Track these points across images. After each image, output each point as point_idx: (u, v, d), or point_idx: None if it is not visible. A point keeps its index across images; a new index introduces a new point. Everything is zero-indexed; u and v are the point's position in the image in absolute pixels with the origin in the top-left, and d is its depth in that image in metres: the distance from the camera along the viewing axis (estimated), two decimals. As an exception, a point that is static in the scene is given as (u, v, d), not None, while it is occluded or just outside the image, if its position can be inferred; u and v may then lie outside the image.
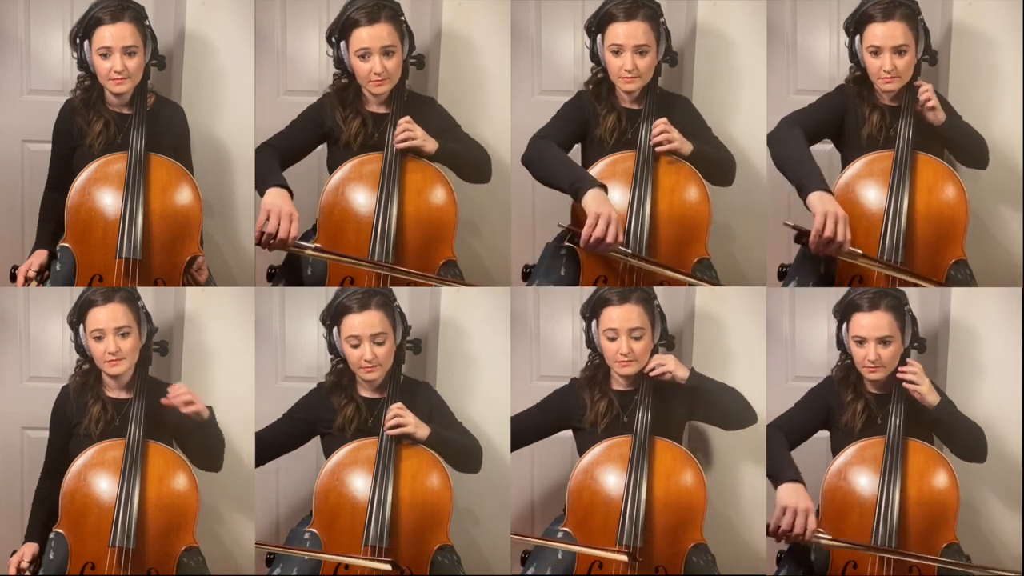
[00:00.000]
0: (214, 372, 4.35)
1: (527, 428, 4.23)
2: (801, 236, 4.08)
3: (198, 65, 4.42)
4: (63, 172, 4.24)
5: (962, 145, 4.22)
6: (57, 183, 4.25)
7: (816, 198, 4.04)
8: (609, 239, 4.05)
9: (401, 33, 4.21)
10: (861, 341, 4.10)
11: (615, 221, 4.04)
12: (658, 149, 4.19)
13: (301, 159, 4.29)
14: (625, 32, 4.19)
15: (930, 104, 4.14)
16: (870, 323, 4.09)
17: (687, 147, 4.21)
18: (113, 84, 4.19)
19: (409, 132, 4.18)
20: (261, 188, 4.14)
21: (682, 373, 4.13)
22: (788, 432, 4.17)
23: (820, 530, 4.03)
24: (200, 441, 4.14)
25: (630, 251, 4.11)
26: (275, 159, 4.20)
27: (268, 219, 4.09)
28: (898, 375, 4.09)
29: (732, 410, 4.18)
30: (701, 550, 4.11)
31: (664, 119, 4.19)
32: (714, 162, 4.25)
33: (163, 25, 4.37)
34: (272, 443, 4.22)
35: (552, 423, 4.23)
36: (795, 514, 4.01)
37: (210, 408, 4.13)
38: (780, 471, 4.08)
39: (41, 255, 4.25)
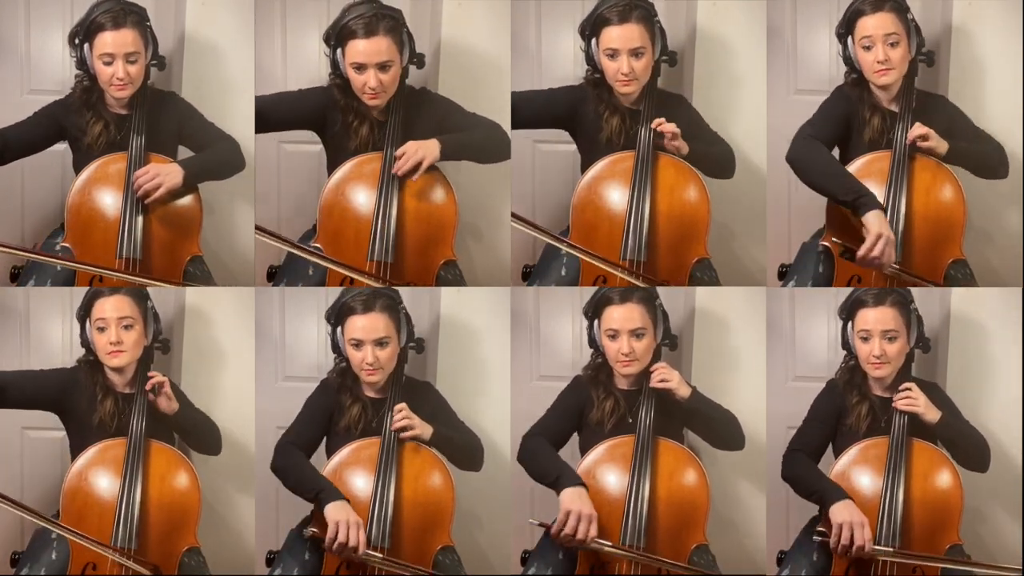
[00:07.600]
0: (214, 372, 4.34)
1: (553, 439, 4.17)
2: (846, 251, 4.10)
3: (198, 66, 4.41)
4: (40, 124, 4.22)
5: (972, 159, 4.22)
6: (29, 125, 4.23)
7: (874, 217, 4.05)
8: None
9: (400, 43, 4.18)
10: (866, 337, 4.10)
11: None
12: (665, 141, 4.18)
13: (292, 129, 4.30)
14: (620, 35, 4.18)
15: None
16: (875, 317, 4.08)
17: (685, 147, 4.21)
18: (115, 90, 4.18)
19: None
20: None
21: (684, 392, 4.13)
22: (810, 452, 4.14)
23: (879, 546, 4.02)
24: (191, 428, 4.17)
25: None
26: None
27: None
28: (895, 404, 4.09)
29: (725, 434, 4.18)
30: (703, 551, 4.11)
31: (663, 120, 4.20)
32: (713, 156, 4.26)
33: (163, 26, 4.36)
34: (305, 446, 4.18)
35: (572, 425, 4.20)
36: (851, 528, 3.99)
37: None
38: (824, 492, 4.05)
39: None
